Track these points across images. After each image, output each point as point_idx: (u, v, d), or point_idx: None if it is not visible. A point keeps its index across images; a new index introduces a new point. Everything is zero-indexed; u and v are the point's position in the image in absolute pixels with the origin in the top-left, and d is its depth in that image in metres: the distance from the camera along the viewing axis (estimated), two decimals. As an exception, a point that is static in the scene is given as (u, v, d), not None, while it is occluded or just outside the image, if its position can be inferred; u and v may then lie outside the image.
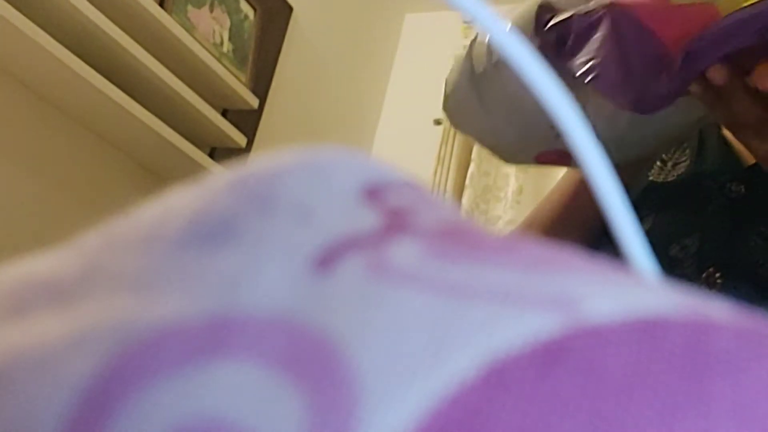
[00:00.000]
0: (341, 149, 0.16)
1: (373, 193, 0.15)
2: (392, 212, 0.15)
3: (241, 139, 1.86)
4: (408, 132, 2.54)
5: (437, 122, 2.48)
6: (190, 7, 1.78)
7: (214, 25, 1.86)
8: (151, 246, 0.15)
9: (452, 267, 0.13)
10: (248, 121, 1.96)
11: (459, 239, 0.14)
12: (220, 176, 0.16)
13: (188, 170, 1.76)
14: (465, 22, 2.49)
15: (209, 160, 1.77)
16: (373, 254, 0.14)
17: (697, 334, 0.11)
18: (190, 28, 1.75)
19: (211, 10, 1.86)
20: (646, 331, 0.12)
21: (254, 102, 1.92)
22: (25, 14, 1.33)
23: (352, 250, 0.14)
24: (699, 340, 0.11)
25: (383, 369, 0.12)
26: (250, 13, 2.01)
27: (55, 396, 0.12)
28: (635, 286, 0.13)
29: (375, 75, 2.59)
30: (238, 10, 1.96)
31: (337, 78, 2.39)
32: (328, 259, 0.14)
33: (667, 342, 0.11)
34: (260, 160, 0.16)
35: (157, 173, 1.80)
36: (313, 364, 0.12)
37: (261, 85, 2.02)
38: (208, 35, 1.83)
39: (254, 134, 2.00)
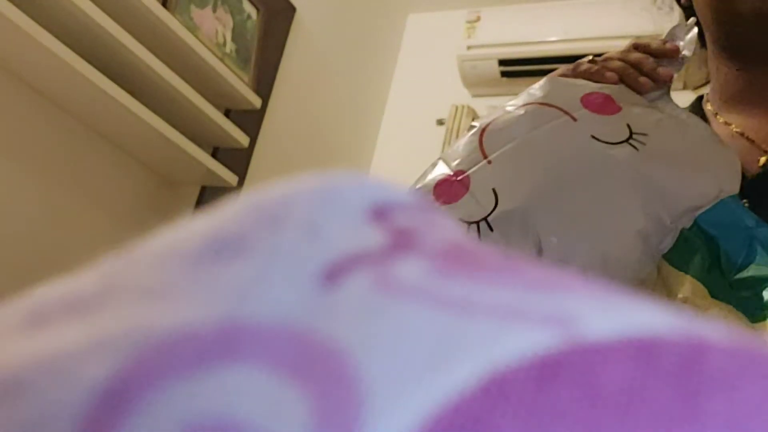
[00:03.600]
0: (351, 172, 0.16)
1: (381, 213, 0.16)
2: (399, 232, 0.15)
3: (243, 139, 1.86)
4: (411, 132, 2.54)
5: (440, 122, 2.48)
6: (193, 7, 1.79)
7: (217, 25, 1.86)
8: (167, 261, 0.15)
9: (455, 284, 0.14)
10: (251, 121, 1.96)
11: (463, 258, 0.14)
12: (235, 201, 0.17)
13: (190, 170, 1.76)
14: (468, 22, 2.49)
15: (211, 159, 1.77)
16: (380, 270, 0.14)
17: (692, 353, 0.12)
18: (193, 28, 1.75)
19: (214, 10, 1.86)
20: (642, 350, 0.12)
21: (257, 102, 1.92)
22: (27, 14, 1.33)
23: (358, 266, 0.14)
24: (694, 359, 0.12)
25: (387, 376, 0.12)
26: (253, 13, 2.01)
27: (71, 398, 0.13)
28: (632, 306, 0.13)
29: (378, 75, 2.59)
30: (241, 11, 1.96)
31: (340, 78, 2.39)
32: (335, 273, 0.14)
33: (663, 360, 0.12)
34: (274, 186, 0.17)
35: (159, 172, 1.80)
36: (320, 370, 0.13)
37: (264, 85, 2.02)
38: (211, 35, 1.83)
39: (257, 134, 2.00)
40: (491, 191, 0.53)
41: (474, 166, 0.55)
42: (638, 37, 0.65)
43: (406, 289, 0.14)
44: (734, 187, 0.53)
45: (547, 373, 0.12)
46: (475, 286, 0.14)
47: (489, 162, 0.55)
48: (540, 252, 0.50)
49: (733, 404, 0.11)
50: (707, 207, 0.51)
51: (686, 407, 0.11)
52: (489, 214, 0.52)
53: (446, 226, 0.16)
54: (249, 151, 1.94)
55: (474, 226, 0.52)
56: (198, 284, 0.15)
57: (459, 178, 0.55)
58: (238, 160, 1.90)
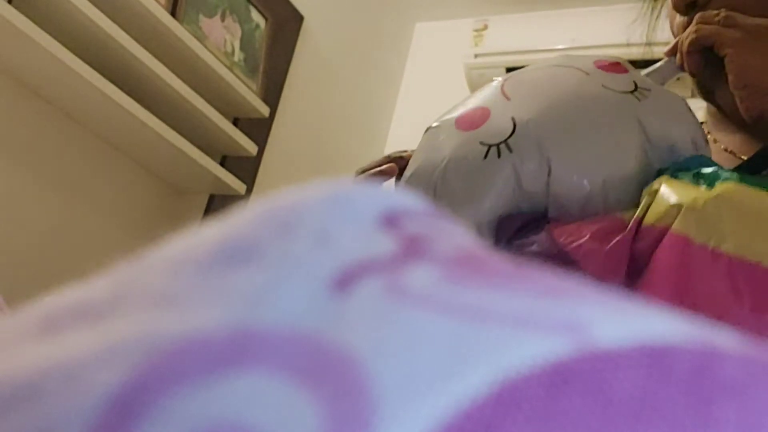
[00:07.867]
0: (363, 182, 0.17)
1: (392, 220, 0.16)
2: (410, 239, 0.15)
3: (252, 147, 1.87)
4: (418, 140, 2.53)
5: (447, 130, 2.47)
6: (201, 17, 1.80)
7: (225, 34, 1.87)
8: (180, 268, 0.15)
9: (467, 291, 0.14)
10: (259, 130, 1.97)
11: (474, 266, 0.15)
12: (248, 208, 0.17)
13: (199, 178, 1.77)
14: (475, 30, 2.49)
15: (220, 167, 1.77)
16: (391, 277, 0.14)
17: (704, 360, 0.12)
18: (201, 37, 1.76)
19: (223, 20, 1.87)
20: (654, 357, 0.12)
21: (265, 111, 1.93)
22: (36, 23, 1.34)
23: (369, 273, 0.14)
24: (705, 367, 0.12)
25: (399, 383, 0.12)
26: (261, 22, 2.02)
27: (82, 404, 0.13)
28: (644, 314, 0.13)
29: (385, 83, 2.59)
30: (249, 20, 1.97)
31: (347, 86, 2.40)
32: (346, 280, 0.14)
33: (675, 368, 0.12)
34: (285, 194, 0.17)
35: (167, 181, 1.81)
36: (331, 376, 0.13)
37: (272, 93, 2.02)
38: (220, 44, 1.84)
39: (265, 142, 2.00)
40: (510, 119, 0.60)
41: (494, 102, 0.63)
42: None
43: (417, 296, 0.14)
44: (708, 151, 0.61)
45: (558, 380, 0.12)
46: (486, 293, 0.14)
47: (508, 99, 0.62)
48: (549, 173, 0.57)
49: (745, 412, 0.11)
50: (685, 155, 0.59)
51: (698, 415, 0.11)
52: (508, 137, 0.58)
53: (457, 234, 0.16)
54: (257, 160, 1.95)
55: (495, 148, 0.59)
56: (210, 291, 0.15)
57: (480, 110, 0.63)
58: (247, 169, 1.91)
